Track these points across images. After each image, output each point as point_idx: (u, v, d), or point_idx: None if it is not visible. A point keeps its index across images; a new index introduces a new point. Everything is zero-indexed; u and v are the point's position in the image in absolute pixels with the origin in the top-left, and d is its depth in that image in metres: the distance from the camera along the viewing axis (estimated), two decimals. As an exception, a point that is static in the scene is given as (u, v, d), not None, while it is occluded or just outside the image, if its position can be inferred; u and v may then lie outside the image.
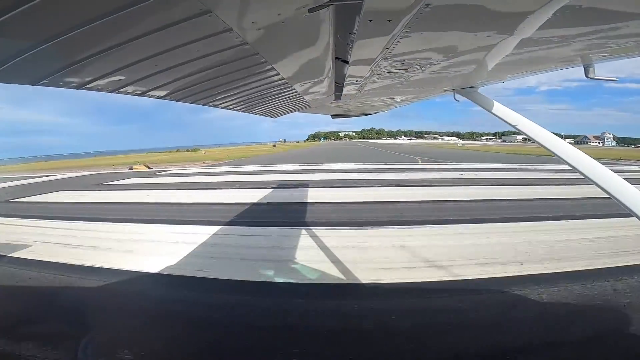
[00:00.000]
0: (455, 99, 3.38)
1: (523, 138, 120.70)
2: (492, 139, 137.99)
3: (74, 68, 1.45)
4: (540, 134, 2.46)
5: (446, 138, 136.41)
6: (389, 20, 1.49)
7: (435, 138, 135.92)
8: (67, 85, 1.60)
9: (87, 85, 1.66)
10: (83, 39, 1.21)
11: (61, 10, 1.05)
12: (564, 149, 2.29)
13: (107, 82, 1.71)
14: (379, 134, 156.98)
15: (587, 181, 2.17)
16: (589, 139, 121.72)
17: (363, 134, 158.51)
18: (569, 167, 2.28)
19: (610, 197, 2.08)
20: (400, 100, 4.78)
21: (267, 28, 1.45)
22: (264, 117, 4.50)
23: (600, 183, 2.11)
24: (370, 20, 1.48)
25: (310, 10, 1.34)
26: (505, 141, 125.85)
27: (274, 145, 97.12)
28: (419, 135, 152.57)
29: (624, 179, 2.08)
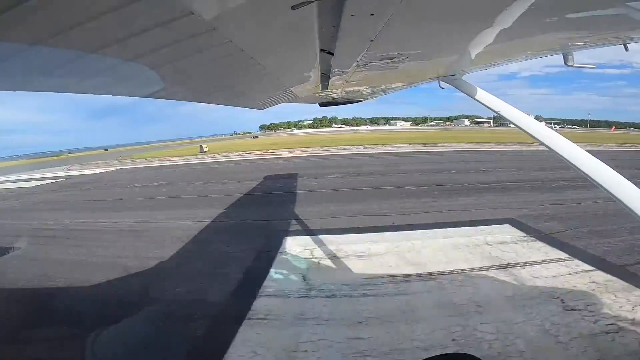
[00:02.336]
0: (440, 86, 3.42)
1: (471, 122, 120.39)
2: (440, 123, 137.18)
3: (52, 71, 1.42)
4: (522, 120, 2.53)
5: (398, 124, 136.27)
6: (372, 15, 1.50)
7: (386, 124, 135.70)
8: (48, 89, 1.57)
9: (68, 88, 1.63)
10: (62, 42, 1.19)
11: (37, 14, 1.03)
12: (545, 135, 2.35)
13: (89, 84, 1.68)
14: (330, 122, 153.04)
15: (570, 168, 2.21)
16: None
17: (314, 123, 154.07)
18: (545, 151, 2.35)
19: (595, 184, 2.11)
20: (387, 89, 4.80)
21: (250, 25, 1.44)
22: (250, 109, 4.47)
23: (583, 169, 2.15)
24: (353, 15, 1.48)
25: (293, 7, 1.34)
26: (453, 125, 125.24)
27: (106, 150, 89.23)
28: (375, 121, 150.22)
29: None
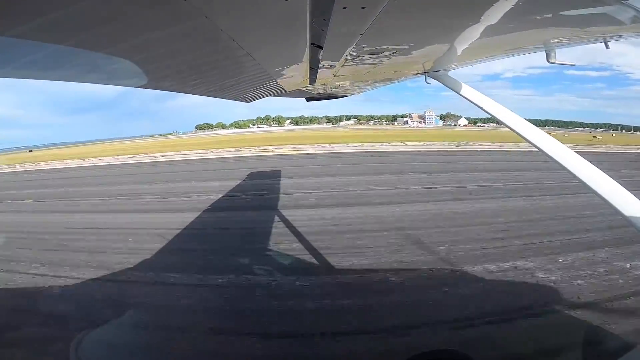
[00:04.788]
0: (426, 82, 3.46)
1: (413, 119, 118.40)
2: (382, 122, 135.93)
3: (37, 58, 1.36)
4: (507, 116, 2.59)
5: (341, 123, 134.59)
6: (363, 8, 1.50)
7: (321, 123, 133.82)
8: (30, 76, 1.50)
9: (51, 76, 1.56)
10: (46, 27, 1.14)
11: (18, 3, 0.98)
12: (530, 132, 2.41)
13: (73, 72, 1.61)
14: (274, 120, 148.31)
15: (555, 165, 2.25)
16: (412, 117, 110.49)
17: (257, 121, 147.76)
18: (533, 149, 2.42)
19: (580, 182, 2.14)
20: (374, 83, 4.82)
21: (242, 14, 1.42)
22: (237, 102, 4.40)
23: (567, 166, 2.18)
24: (345, 8, 1.48)
25: None
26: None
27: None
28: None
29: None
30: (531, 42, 2.26)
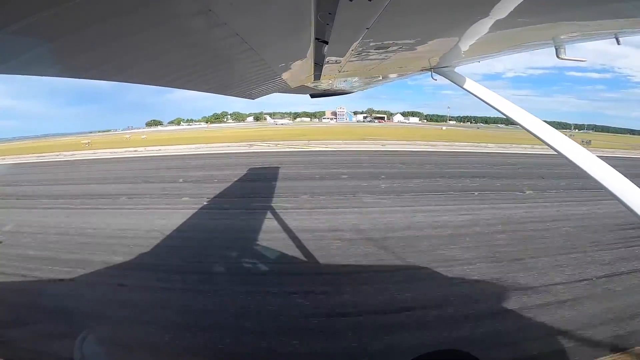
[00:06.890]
0: (432, 78, 3.42)
1: (375, 118, 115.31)
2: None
3: (31, 55, 1.35)
4: (515, 113, 2.55)
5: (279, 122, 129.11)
6: (370, 0, 1.47)
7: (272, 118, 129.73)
8: (22, 72, 1.49)
9: (46, 72, 1.55)
10: (41, 23, 1.13)
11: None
12: (539, 128, 2.37)
13: (69, 66, 1.60)
14: (233, 116, 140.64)
15: (562, 160, 2.20)
16: (324, 115, 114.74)
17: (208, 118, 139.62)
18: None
19: (587, 177, 2.11)
20: (379, 80, 4.78)
21: (246, 8, 1.40)
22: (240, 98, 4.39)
23: (574, 160, 2.15)
24: (351, 1, 1.45)
25: None
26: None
27: None
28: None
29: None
30: (541, 37, 2.21)
